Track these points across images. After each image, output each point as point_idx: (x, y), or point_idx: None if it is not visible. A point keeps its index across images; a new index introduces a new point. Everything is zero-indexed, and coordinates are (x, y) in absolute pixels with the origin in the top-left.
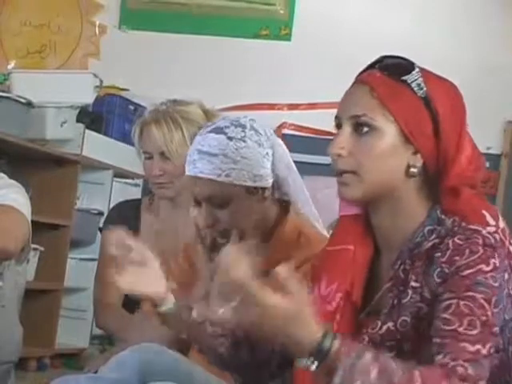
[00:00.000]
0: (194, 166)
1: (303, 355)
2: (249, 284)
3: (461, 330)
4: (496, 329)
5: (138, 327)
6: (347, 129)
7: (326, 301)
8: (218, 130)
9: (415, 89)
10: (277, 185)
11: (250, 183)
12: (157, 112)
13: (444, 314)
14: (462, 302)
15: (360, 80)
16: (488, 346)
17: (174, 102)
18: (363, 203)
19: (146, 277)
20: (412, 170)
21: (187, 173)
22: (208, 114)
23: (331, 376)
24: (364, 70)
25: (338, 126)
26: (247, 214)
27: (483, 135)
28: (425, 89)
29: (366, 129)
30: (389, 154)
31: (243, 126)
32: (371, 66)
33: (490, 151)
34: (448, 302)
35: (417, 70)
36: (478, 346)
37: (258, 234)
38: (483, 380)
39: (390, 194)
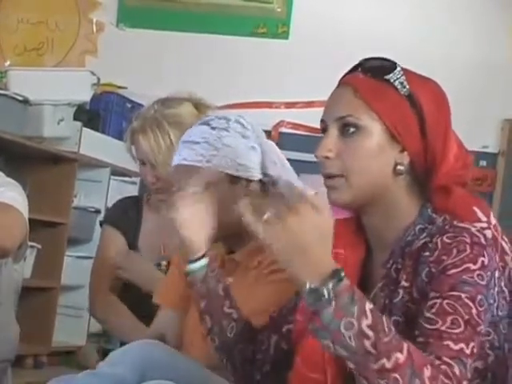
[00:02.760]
0: (179, 155)
1: (314, 278)
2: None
3: (443, 328)
4: (480, 328)
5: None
6: (334, 131)
7: None
8: (203, 122)
9: (398, 87)
10: (272, 183)
11: (232, 171)
12: (144, 119)
13: (428, 314)
14: (445, 301)
15: (343, 82)
16: (471, 345)
17: (164, 103)
18: (354, 207)
19: (197, 222)
20: (399, 167)
21: (173, 163)
22: (200, 108)
23: (322, 308)
24: (347, 73)
25: (324, 129)
26: (231, 206)
27: (481, 133)
28: (408, 87)
29: (352, 129)
30: (376, 153)
31: (228, 119)
32: (354, 69)
33: (488, 150)
34: (432, 302)
35: (399, 69)
36: (462, 345)
37: (243, 230)
38: (466, 380)
39: (379, 194)
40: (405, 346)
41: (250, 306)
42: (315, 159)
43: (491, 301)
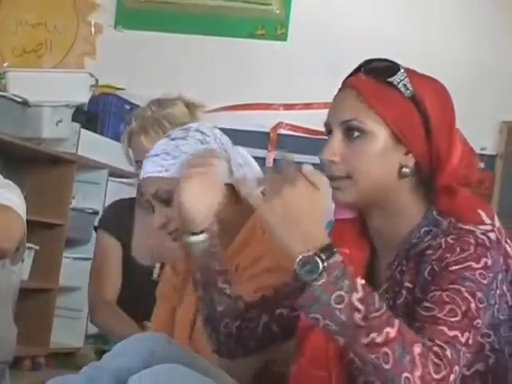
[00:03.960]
0: (143, 170)
1: (306, 250)
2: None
3: (440, 315)
4: (478, 322)
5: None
6: (338, 134)
7: None
8: (166, 136)
9: (402, 89)
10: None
11: None
12: (143, 119)
13: (426, 303)
14: (445, 293)
15: (346, 85)
16: (466, 335)
17: (159, 104)
18: (358, 207)
19: (199, 198)
20: (404, 170)
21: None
22: (191, 108)
23: (313, 280)
24: (350, 74)
25: (329, 132)
26: None
27: (478, 136)
28: (411, 89)
29: (356, 133)
30: (381, 156)
31: (187, 129)
32: (357, 70)
33: (485, 152)
34: (432, 294)
35: (402, 70)
36: (456, 332)
37: (222, 235)
38: (458, 367)
39: (384, 196)
40: (396, 322)
41: None
42: (313, 161)
43: (492, 301)
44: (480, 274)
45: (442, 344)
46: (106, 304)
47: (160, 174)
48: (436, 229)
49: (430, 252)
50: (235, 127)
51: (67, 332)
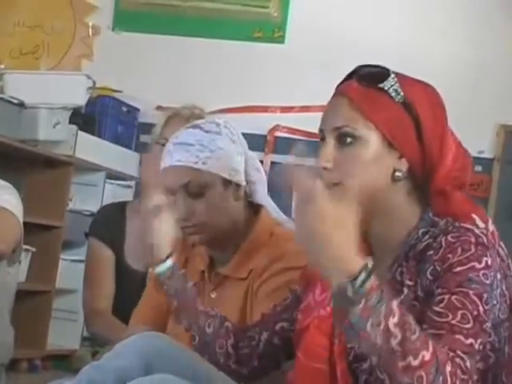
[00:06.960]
0: (171, 157)
1: (341, 274)
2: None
3: (454, 322)
4: (487, 325)
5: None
6: (331, 141)
7: (320, 306)
8: (194, 126)
9: (392, 94)
10: (249, 190)
11: (225, 175)
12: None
13: (436, 308)
14: (453, 297)
15: (338, 92)
16: (479, 341)
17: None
18: None
19: (161, 230)
20: (397, 174)
21: (163, 166)
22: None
23: (349, 307)
24: (343, 81)
25: (322, 138)
26: (222, 209)
27: (476, 139)
28: (402, 93)
29: (349, 139)
30: (374, 161)
31: (217, 124)
32: (349, 76)
33: (483, 155)
34: (440, 297)
35: (392, 76)
36: (471, 340)
37: (228, 237)
38: (475, 375)
39: (379, 201)
40: (430, 343)
41: (240, 321)
42: (311, 164)
43: (494, 301)
44: (483, 274)
45: (463, 355)
46: (101, 314)
47: (196, 166)
48: (433, 229)
49: (431, 252)
50: None
51: (64, 334)
